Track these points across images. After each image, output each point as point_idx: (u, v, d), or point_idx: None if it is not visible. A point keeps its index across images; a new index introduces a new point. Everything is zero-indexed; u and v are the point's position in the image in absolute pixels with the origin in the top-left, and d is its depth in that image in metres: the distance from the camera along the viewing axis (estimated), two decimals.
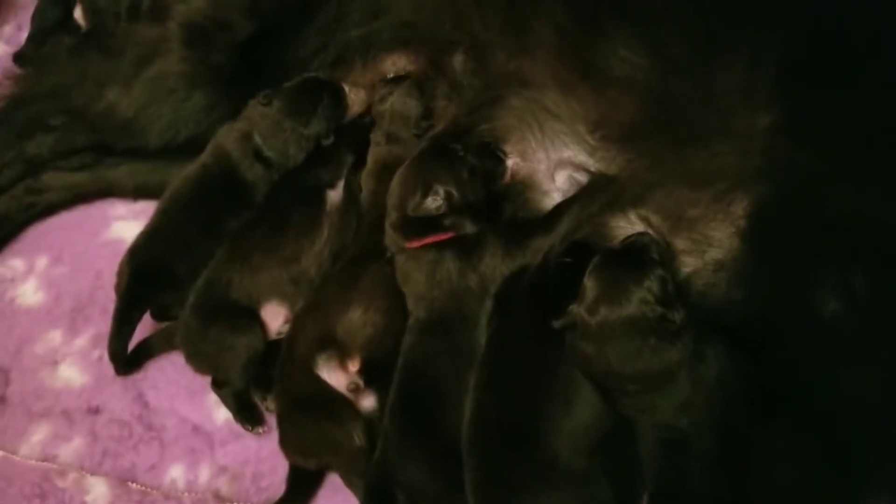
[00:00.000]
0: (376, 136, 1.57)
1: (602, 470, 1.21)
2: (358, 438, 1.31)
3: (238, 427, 1.48)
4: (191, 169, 1.56)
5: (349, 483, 1.36)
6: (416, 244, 1.38)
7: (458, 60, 1.51)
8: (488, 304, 1.34)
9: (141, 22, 1.66)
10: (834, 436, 1.13)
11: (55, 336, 1.62)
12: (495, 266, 1.36)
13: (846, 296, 1.15)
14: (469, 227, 1.37)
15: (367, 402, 1.37)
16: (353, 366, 1.37)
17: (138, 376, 1.55)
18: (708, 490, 1.14)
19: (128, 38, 1.64)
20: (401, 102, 1.56)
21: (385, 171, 1.52)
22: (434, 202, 1.37)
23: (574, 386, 1.24)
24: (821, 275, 1.17)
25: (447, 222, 1.37)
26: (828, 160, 1.20)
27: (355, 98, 1.60)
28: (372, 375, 1.37)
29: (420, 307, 1.37)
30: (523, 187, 1.45)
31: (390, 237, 1.41)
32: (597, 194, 1.37)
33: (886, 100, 1.20)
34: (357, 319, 1.38)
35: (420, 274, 1.37)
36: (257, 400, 1.49)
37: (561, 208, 1.41)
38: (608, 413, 1.24)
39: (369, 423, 1.34)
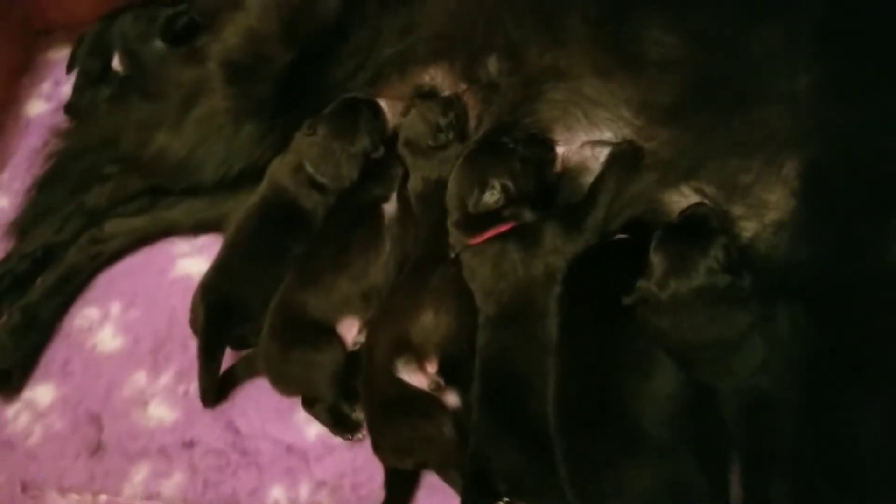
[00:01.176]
0: (400, 150, 1.61)
1: (689, 440, 1.23)
2: (448, 431, 1.36)
3: (331, 441, 1.53)
4: (251, 203, 1.62)
5: (445, 477, 1.41)
6: (479, 239, 1.42)
7: (493, 62, 1.55)
8: (556, 291, 1.38)
9: (179, 64, 1.70)
10: None
11: (140, 377, 1.68)
12: (557, 249, 1.40)
13: None
14: (528, 216, 1.42)
15: (451, 398, 1.41)
16: (432, 367, 1.42)
17: (226, 405, 1.61)
18: (797, 449, 1.17)
19: (169, 81, 1.69)
20: (417, 119, 1.59)
21: (423, 181, 1.57)
22: (492, 196, 1.42)
23: (650, 358, 1.28)
24: (884, 225, 1.20)
25: (506, 213, 1.42)
26: (877, 114, 1.22)
27: (394, 111, 1.64)
28: (451, 374, 1.41)
29: (489, 303, 1.41)
30: (575, 174, 1.48)
31: (454, 236, 1.45)
32: (646, 172, 1.40)
33: None
34: (430, 322, 1.42)
35: (486, 268, 1.41)
36: (346, 411, 1.53)
37: (600, 177, 1.45)
38: (688, 383, 1.27)
39: (456, 416, 1.38)
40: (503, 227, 1.42)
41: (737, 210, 1.33)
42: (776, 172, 1.30)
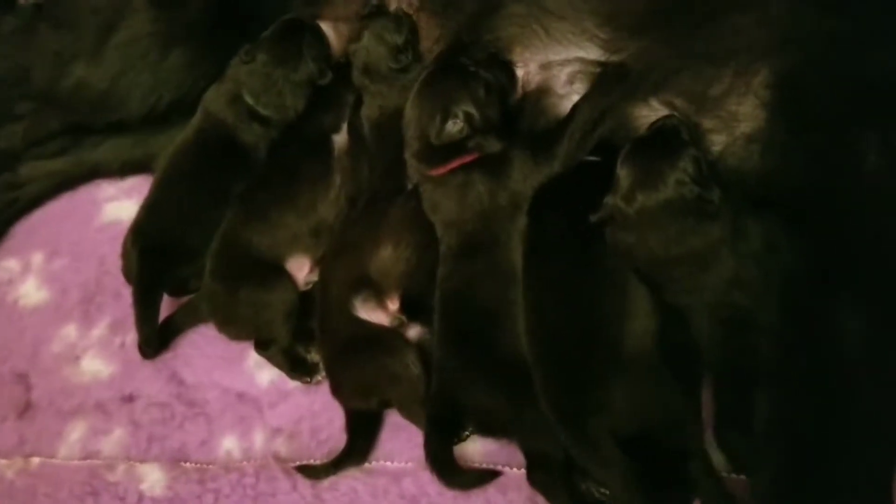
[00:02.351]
0: (357, 78, 1.50)
1: (663, 358, 1.20)
2: (414, 365, 1.30)
3: (285, 387, 1.45)
4: (184, 137, 1.50)
5: (409, 414, 1.35)
6: (442, 171, 1.34)
7: None
8: (520, 221, 1.32)
9: None
10: (893, 288, 1.14)
11: (70, 331, 1.56)
12: (525, 178, 1.33)
13: (886, 150, 1.15)
14: (494, 146, 1.34)
15: (414, 332, 1.36)
16: (393, 304, 1.36)
17: (168, 356, 1.50)
18: (778, 364, 1.15)
19: (85, 5, 1.53)
20: (373, 41, 1.48)
21: (381, 109, 1.46)
22: (455, 126, 1.33)
23: (623, 278, 1.24)
24: (857, 133, 1.17)
25: (471, 144, 1.33)
26: (852, 18, 1.19)
27: (338, 34, 1.53)
28: (414, 310, 1.35)
29: (451, 234, 1.34)
30: (538, 95, 1.40)
31: (414, 168, 1.37)
32: (614, 85, 1.34)
33: None
34: (389, 257, 1.35)
35: (450, 200, 1.33)
36: (301, 352, 1.45)
37: (577, 107, 1.38)
38: (659, 302, 1.24)
39: (421, 350, 1.32)
40: (468, 158, 1.33)
41: (707, 123, 1.29)
42: (748, 83, 1.26)
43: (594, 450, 1.15)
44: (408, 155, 1.37)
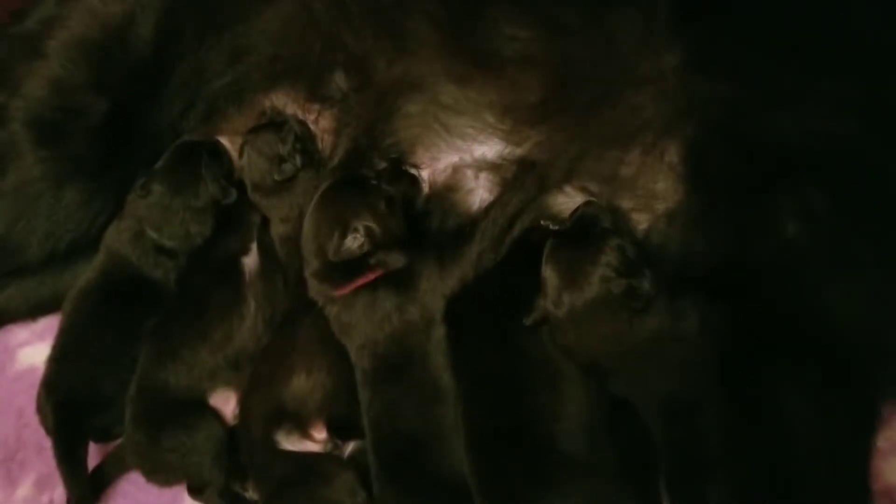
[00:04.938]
0: (252, 195, 1.43)
1: (610, 455, 1.15)
2: (353, 491, 1.22)
3: None
4: (87, 279, 1.42)
5: None
6: (345, 290, 1.27)
7: (338, 79, 1.39)
8: (437, 333, 1.25)
9: None
10: (836, 360, 1.10)
11: None
12: (434, 289, 1.26)
13: (805, 214, 1.11)
14: (398, 261, 1.26)
15: (352, 448, 1.29)
16: (318, 432, 1.28)
17: None
18: (727, 452, 1.10)
19: None
20: (253, 155, 1.41)
21: (283, 222, 1.40)
22: (355, 241, 1.25)
23: (555, 373, 1.19)
24: (774, 198, 1.13)
25: (373, 261, 1.26)
26: (750, 86, 1.16)
27: (237, 149, 1.46)
28: (343, 432, 1.28)
29: (363, 357, 1.26)
30: (445, 193, 1.35)
31: (315, 288, 1.29)
32: (523, 180, 1.30)
33: (797, 12, 1.16)
34: (303, 385, 1.27)
35: (358, 321, 1.26)
36: (238, 491, 1.36)
37: (488, 209, 1.32)
38: (602, 394, 1.19)
39: (360, 467, 1.25)
40: (371, 276, 1.26)
41: (626, 203, 1.25)
42: (659, 159, 1.22)
43: None
44: (308, 274, 1.29)
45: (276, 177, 1.38)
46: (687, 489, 1.15)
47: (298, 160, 1.38)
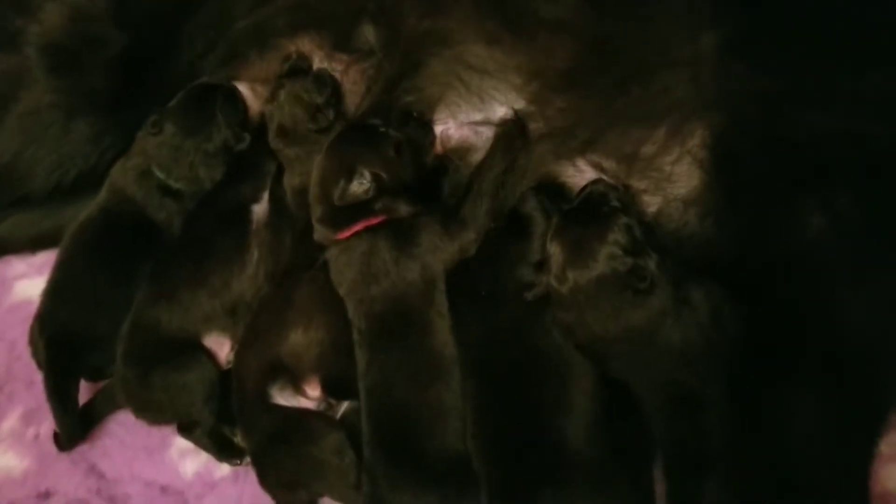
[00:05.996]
0: (272, 141, 1.41)
1: (610, 447, 1.13)
2: (340, 451, 1.21)
3: (211, 477, 1.35)
4: (88, 214, 1.39)
5: (343, 499, 1.25)
6: (347, 233, 1.24)
7: (366, 32, 1.36)
8: (438, 302, 1.22)
9: None
10: (845, 363, 1.08)
11: None
12: (435, 249, 1.23)
13: (829, 214, 1.09)
14: (403, 209, 1.24)
15: (345, 408, 1.27)
16: (312, 389, 1.27)
17: (85, 447, 1.39)
18: (727, 446, 1.08)
19: None
20: (290, 100, 1.38)
21: (301, 176, 1.37)
22: (361, 186, 1.23)
23: (562, 360, 1.16)
24: (798, 196, 1.11)
25: (377, 206, 1.23)
26: (785, 77, 1.13)
27: (256, 95, 1.44)
28: (338, 392, 1.27)
29: (360, 314, 1.23)
30: (459, 152, 1.32)
31: (319, 232, 1.27)
32: (539, 146, 1.27)
33: (839, 9, 1.13)
34: (299, 341, 1.25)
35: (353, 269, 1.23)
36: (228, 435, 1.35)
37: (483, 163, 1.30)
38: (602, 381, 1.16)
39: (351, 428, 1.23)
40: (373, 220, 1.23)
41: (638, 184, 1.22)
42: (682, 143, 1.19)
43: None
44: (314, 220, 1.27)
45: (311, 125, 1.36)
46: (685, 482, 1.13)
47: (332, 113, 1.36)
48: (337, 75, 1.40)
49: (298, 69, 1.41)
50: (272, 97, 1.40)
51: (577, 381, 1.15)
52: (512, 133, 1.30)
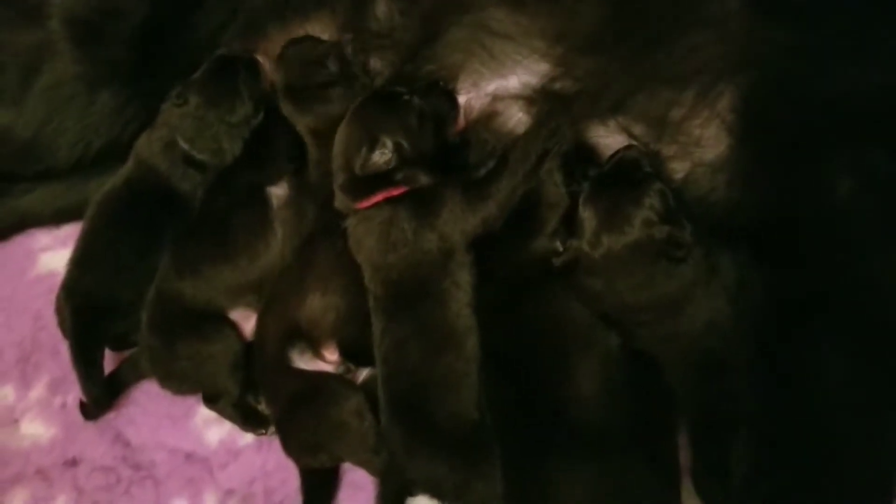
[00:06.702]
0: (284, 108, 1.39)
1: (632, 423, 1.12)
2: (359, 413, 1.22)
3: (236, 445, 1.37)
4: (112, 185, 1.39)
5: (361, 463, 1.27)
6: (367, 203, 1.23)
7: (380, 6, 1.36)
8: (456, 273, 1.21)
9: (14, 27, 1.44)
10: (874, 329, 1.06)
11: (7, 393, 1.46)
12: (455, 221, 1.21)
13: (863, 173, 1.07)
14: (424, 180, 1.23)
15: (363, 373, 1.29)
16: (331, 354, 1.28)
17: (111, 416, 1.41)
18: (756, 411, 1.07)
19: (3, 48, 1.42)
20: (288, 60, 1.36)
21: (320, 139, 1.35)
22: (382, 156, 1.22)
23: (581, 331, 1.16)
24: (830, 155, 1.09)
25: (399, 176, 1.23)
26: (817, 32, 1.11)
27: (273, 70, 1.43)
28: (356, 358, 1.28)
29: (376, 281, 1.22)
30: (484, 121, 1.31)
31: (340, 200, 1.26)
32: (565, 110, 1.25)
33: None
34: (317, 305, 1.27)
35: (372, 237, 1.22)
36: (253, 403, 1.37)
37: (520, 145, 1.27)
38: (625, 353, 1.16)
39: (370, 394, 1.23)
40: (394, 191, 1.23)
41: (666, 150, 1.20)
42: (711, 106, 1.17)
43: None
44: (335, 187, 1.26)
45: (315, 78, 1.34)
46: (712, 448, 1.13)
47: (334, 67, 1.34)
48: (354, 46, 1.39)
49: (306, 37, 1.39)
50: (277, 63, 1.39)
51: (594, 351, 1.15)
52: (553, 128, 1.27)
